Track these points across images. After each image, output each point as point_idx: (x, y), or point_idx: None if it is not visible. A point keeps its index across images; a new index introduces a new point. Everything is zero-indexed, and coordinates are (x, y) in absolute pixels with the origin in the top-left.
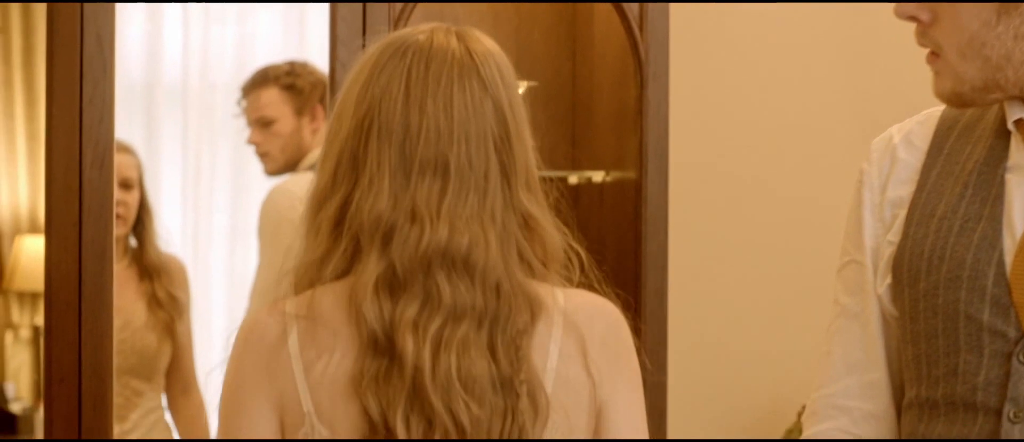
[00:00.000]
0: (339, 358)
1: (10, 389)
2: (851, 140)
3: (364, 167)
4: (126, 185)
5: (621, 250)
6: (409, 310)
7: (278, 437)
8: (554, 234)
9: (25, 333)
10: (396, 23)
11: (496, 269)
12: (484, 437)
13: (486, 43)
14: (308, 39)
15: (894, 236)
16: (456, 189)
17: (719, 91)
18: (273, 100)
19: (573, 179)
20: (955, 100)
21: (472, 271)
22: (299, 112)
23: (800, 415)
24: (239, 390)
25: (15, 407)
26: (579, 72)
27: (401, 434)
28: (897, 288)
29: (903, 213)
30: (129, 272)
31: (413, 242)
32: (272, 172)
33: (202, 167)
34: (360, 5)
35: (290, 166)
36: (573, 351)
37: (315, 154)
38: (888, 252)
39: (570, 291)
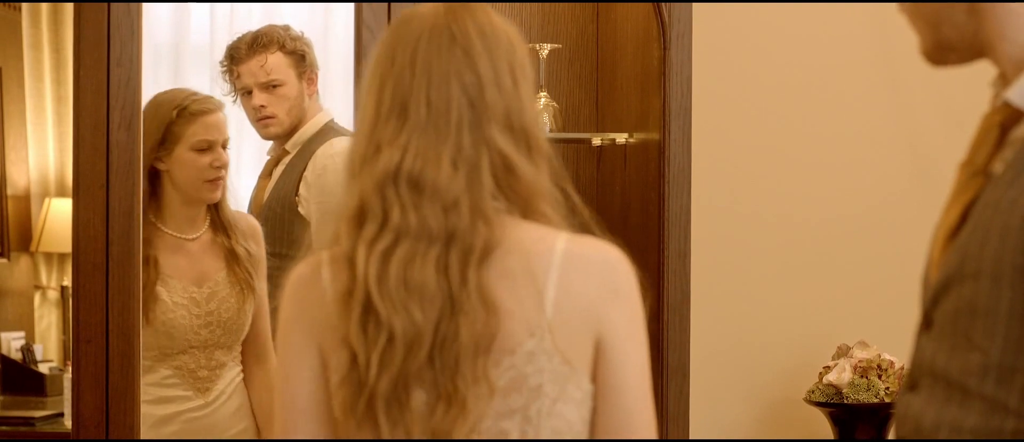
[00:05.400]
0: None
1: (38, 350)
2: (874, 97)
3: (358, 122)
4: (225, 145)
5: (644, 211)
6: (367, 232)
7: (320, 368)
8: (528, 173)
9: (53, 294)
10: None
11: (451, 191)
12: (428, 342)
13: (479, 14)
14: (333, 4)
15: None
16: (413, 124)
17: (742, 52)
18: (279, 64)
19: (596, 141)
20: None
21: (421, 189)
22: (300, 76)
23: (822, 375)
24: (285, 331)
25: (43, 367)
26: (603, 34)
27: (355, 338)
28: None
29: None
30: (207, 236)
31: (371, 169)
32: (273, 136)
33: (230, 128)
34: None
35: (292, 130)
36: (570, 286)
37: (315, 120)
38: None
39: (574, 236)
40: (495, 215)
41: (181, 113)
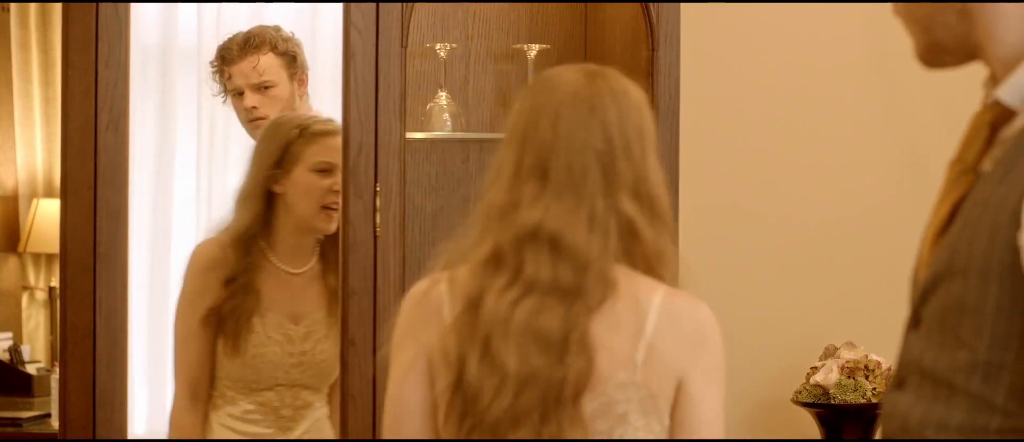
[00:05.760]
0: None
1: (26, 351)
2: (865, 98)
3: (498, 172)
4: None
5: None
6: (500, 280)
7: (429, 380)
8: (651, 240)
9: (41, 295)
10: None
11: (583, 252)
12: (542, 384)
13: (614, 82)
14: (321, 4)
15: None
16: (554, 188)
17: (731, 52)
18: (271, 65)
19: None
20: None
21: (559, 250)
22: (291, 77)
23: (809, 375)
24: (399, 342)
25: (31, 368)
26: (591, 35)
27: (473, 373)
28: None
29: None
30: (314, 270)
31: (512, 224)
32: None
33: (216, 130)
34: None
35: None
36: (663, 333)
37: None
38: None
39: (672, 290)
40: (612, 271)
41: (302, 132)
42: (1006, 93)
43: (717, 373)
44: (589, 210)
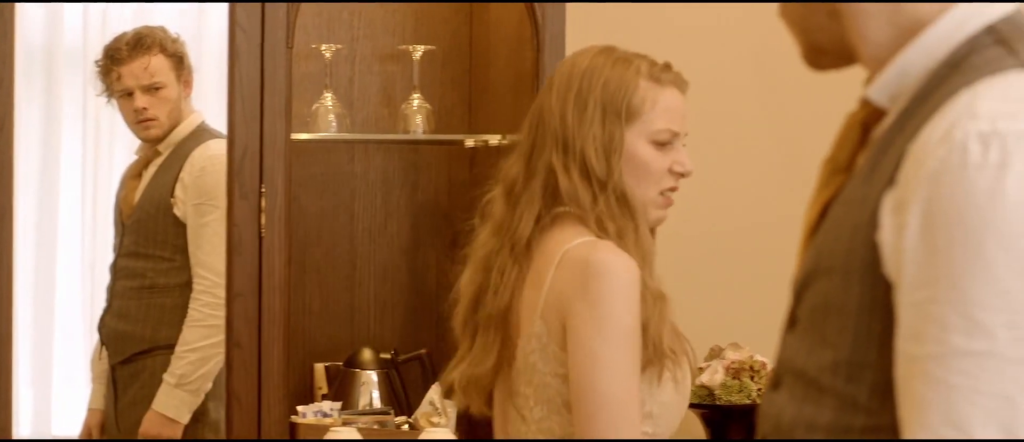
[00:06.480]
0: None
1: None
2: (751, 99)
3: None
4: None
5: None
6: (482, 234)
7: None
8: (569, 188)
9: None
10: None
11: (522, 200)
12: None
13: (581, 57)
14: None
15: None
16: (517, 149)
17: None
18: (161, 66)
19: (470, 142)
20: None
21: (507, 197)
22: (179, 79)
23: (694, 376)
24: None
25: None
26: (476, 35)
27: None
28: None
29: None
30: None
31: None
32: (156, 138)
33: (102, 131)
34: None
35: (169, 132)
36: (558, 281)
37: (188, 121)
38: None
39: (588, 241)
40: (542, 221)
41: None
42: (875, 92)
43: (593, 315)
44: (525, 164)
